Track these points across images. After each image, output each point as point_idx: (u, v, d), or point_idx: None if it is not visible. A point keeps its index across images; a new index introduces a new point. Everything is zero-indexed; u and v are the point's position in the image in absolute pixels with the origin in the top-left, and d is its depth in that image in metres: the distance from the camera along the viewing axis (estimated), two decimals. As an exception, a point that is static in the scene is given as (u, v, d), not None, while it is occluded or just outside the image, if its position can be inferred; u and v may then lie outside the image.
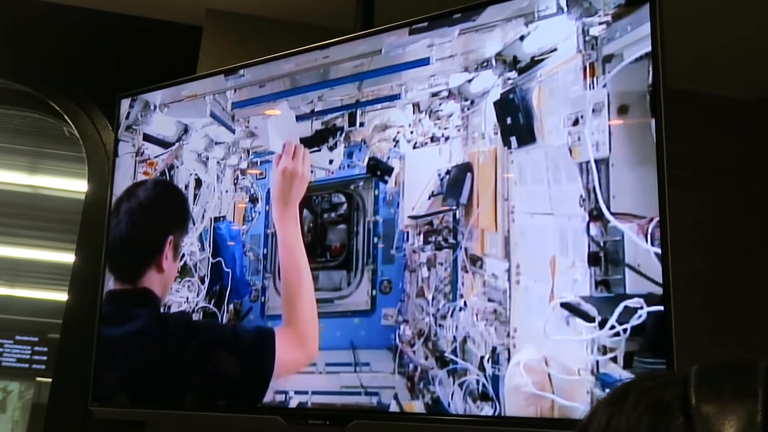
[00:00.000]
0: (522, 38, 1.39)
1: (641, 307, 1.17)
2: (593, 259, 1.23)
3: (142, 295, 1.51)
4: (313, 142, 1.65)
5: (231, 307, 1.67)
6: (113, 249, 1.81)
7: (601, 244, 1.23)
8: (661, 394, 0.53)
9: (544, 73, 1.35)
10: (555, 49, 1.35)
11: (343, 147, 1.61)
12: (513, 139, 1.37)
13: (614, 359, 1.18)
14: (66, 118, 2.10)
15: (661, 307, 1.15)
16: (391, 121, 1.55)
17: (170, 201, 1.69)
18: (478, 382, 1.33)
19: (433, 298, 1.42)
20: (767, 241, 2.15)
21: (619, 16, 1.28)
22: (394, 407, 1.42)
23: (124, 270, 1.73)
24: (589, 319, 1.22)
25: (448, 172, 1.45)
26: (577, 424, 0.57)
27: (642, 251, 1.19)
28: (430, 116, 1.49)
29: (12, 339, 4.95)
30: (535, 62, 1.37)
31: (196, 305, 1.72)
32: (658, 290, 1.16)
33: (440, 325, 1.39)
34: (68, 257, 2.19)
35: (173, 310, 1.75)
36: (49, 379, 2.03)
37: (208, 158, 1.80)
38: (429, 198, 1.47)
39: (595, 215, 1.24)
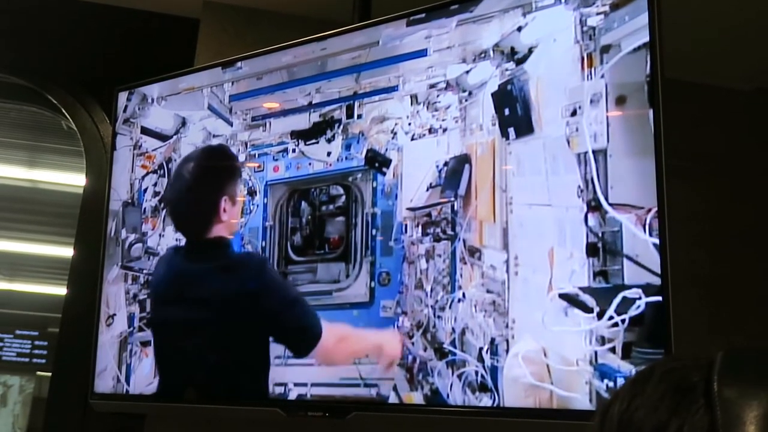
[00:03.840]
0: (520, 29, 1.39)
1: (639, 298, 1.17)
2: (591, 250, 1.24)
3: (215, 243, 1.50)
4: (311, 134, 1.65)
5: (230, 299, 1.67)
6: (175, 211, 1.75)
7: (600, 234, 1.23)
8: (684, 375, 0.53)
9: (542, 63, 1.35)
10: (553, 40, 1.34)
11: (341, 139, 1.60)
12: (511, 131, 1.37)
13: (613, 350, 1.18)
14: (63, 111, 2.09)
15: (660, 298, 1.15)
16: (389, 113, 1.54)
17: (220, 164, 1.65)
18: (476, 373, 1.33)
19: (431, 290, 1.42)
20: (766, 231, 2.15)
21: (616, 6, 1.28)
22: (393, 399, 1.43)
23: (190, 229, 1.68)
24: (588, 309, 1.22)
25: (446, 164, 1.45)
26: (600, 404, 0.58)
27: (640, 242, 1.19)
28: (428, 108, 1.49)
29: (12, 333, 4.96)
30: (533, 53, 1.36)
31: (195, 298, 1.72)
32: (657, 281, 1.16)
33: (439, 317, 1.39)
34: (67, 251, 2.19)
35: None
36: (50, 373, 2.03)
37: (206, 151, 1.79)
38: (427, 190, 1.46)
39: (594, 206, 1.24)
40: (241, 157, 1.73)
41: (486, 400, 1.31)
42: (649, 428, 0.51)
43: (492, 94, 1.40)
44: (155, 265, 1.72)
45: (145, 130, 1.90)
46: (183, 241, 1.67)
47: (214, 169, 1.51)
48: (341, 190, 1.59)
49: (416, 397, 1.40)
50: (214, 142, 1.78)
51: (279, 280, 1.51)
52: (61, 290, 2.08)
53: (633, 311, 1.17)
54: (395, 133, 1.53)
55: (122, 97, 1.95)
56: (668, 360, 0.58)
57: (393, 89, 1.55)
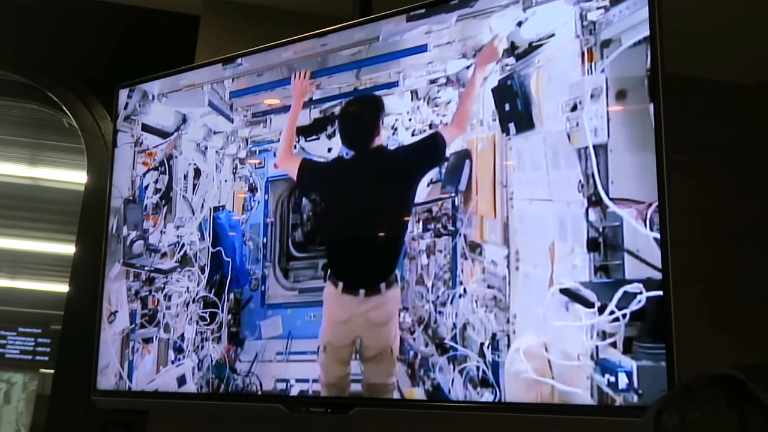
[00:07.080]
0: (520, 24, 1.39)
1: (640, 292, 1.17)
2: (592, 245, 1.23)
3: (377, 149, 1.58)
4: (311, 130, 1.65)
5: (231, 296, 1.68)
6: (348, 136, 1.67)
7: (600, 229, 1.23)
8: (719, 392, 0.60)
9: (542, 58, 1.35)
10: (553, 35, 1.34)
11: (342, 135, 1.60)
12: (511, 126, 1.37)
13: (614, 344, 1.18)
14: (64, 108, 2.09)
15: (661, 292, 1.15)
16: (390, 109, 1.54)
17: (371, 102, 1.69)
18: (478, 368, 1.33)
19: (432, 285, 1.42)
20: (767, 226, 2.14)
21: (616, 0, 1.28)
22: (394, 394, 1.43)
23: (359, 143, 1.64)
24: (589, 304, 1.22)
25: (446, 159, 1.45)
26: (641, 425, 0.63)
27: (641, 236, 1.19)
28: (428, 103, 1.49)
29: (15, 331, 4.97)
30: (533, 48, 1.36)
31: (197, 295, 1.72)
32: (658, 275, 1.16)
33: (440, 312, 1.40)
34: (69, 248, 2.20)
35: (174, 300, 1.76)
36: (53, 371, 2.03)
37: (206, 148, 1.80)
38: (428, 185, 1.46)
39: (594, 201, 1.24)
40: (242, 154, 1.74)
41: (487, 395, 1.31)
42: None
43: (492, 90, 1.40)
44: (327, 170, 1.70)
45: (145, 127, 1.90)
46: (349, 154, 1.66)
47: (368, 106, 1.60)
48: (342, 186, 1.59)
49: (418, 393, 1.40)
50: (216, 138, 1.78)
51: (413, 145, 1.53)
52: (64, 287, 2.08)
53: (634, 306, 1.17)
54: (396, 129, 1.53)
55: (123, 94, 1.95)
56: (698, 381, 0.65)
57: (393, 85, 1.54)
